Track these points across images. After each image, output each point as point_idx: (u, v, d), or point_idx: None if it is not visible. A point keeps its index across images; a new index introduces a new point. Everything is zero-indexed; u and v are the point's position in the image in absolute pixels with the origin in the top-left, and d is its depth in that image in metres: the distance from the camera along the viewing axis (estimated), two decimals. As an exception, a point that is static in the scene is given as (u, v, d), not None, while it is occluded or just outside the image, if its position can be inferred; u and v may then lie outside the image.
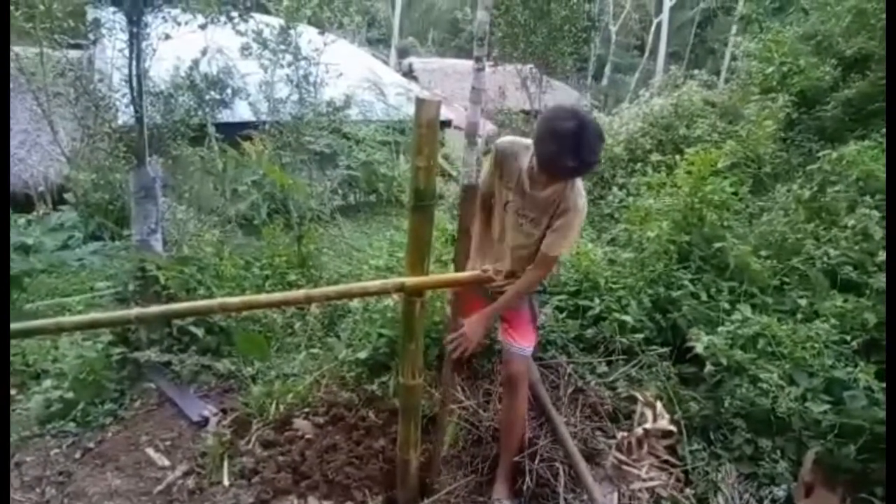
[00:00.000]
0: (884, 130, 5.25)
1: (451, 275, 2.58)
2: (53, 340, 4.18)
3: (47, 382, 3.59)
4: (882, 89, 6.06)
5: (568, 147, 2.01)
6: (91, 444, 3.22)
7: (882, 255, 3.51)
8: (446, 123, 12.86)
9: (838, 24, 7.19)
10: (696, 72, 9.16)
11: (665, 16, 22.12)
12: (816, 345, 2.98)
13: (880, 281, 3.33)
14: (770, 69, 7.12)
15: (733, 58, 15.70)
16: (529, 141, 2.27)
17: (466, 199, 2.52)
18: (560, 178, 2.20)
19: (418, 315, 2.22)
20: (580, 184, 2.33)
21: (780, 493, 2.61)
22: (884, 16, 6.38)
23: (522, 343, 2.60)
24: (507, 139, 2.46)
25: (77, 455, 3.15)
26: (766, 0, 10.11)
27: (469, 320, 2.50)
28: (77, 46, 8.05)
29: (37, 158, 9.57)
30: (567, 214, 2.29)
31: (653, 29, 23.70)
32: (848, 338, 3.05)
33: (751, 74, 7.70)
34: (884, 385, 2.77)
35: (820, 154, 4.79)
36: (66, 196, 8.60)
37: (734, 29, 16.44)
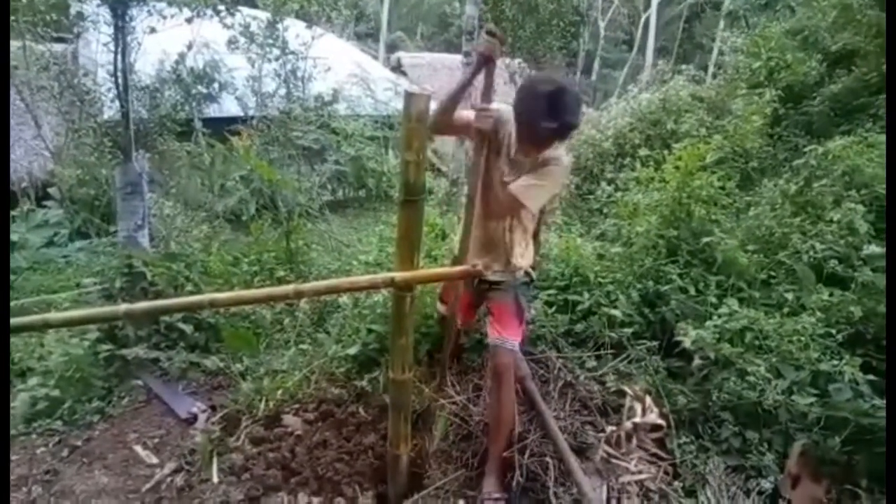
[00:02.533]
0: (868, 125, 5.31)
1: (441, 269, 2.58)
2: (39, 338, 4.14)
3: (33, 380, 3.54)
4: (867, 85, 6.12)
5: (547, 109, 2.05)
6: (78, 443, 3.19)
7: (867, 249, 3.55)
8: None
9: (824, 20, 7.25)
10: (683, 67, 9.18)
11: (653, 11, 22.17)
12: (803, 338, 3.01)
13: (865, 274, 3.37)
14: (757, 64, 7.16)
15: (721, 53, 15.79)
16: None
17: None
18: (540, 142, 2.24)
19: (408, 310, 2.22)
20: (563, 151, 2.38)
21: (766, 485, 2.64)
22: (869, 11, 6.44)
23: (507, 336, 2.61)
24: (501, 106, 2.42)
25: (64, 453, 3.12)
26: (752, -5, 10.18)
27: None
28: (61, 40, 7.95)
29: (20, 153, 9.44)
30: (546, 165, 2.33)
31: (641, 24, 23.75)
32: (833, 331, 3.08)
33: (738, 69, 7.74)
34: (868, 377, 2.81)
35: (806, 149, 4.83)
36: (51, 191, 8.51)
37: (722, 24, 16.55)
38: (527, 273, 2.71)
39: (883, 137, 4.84)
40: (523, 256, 2.66)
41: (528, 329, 3.34)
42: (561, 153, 2.38)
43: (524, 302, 2.71)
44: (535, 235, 2.75)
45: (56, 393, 3.43)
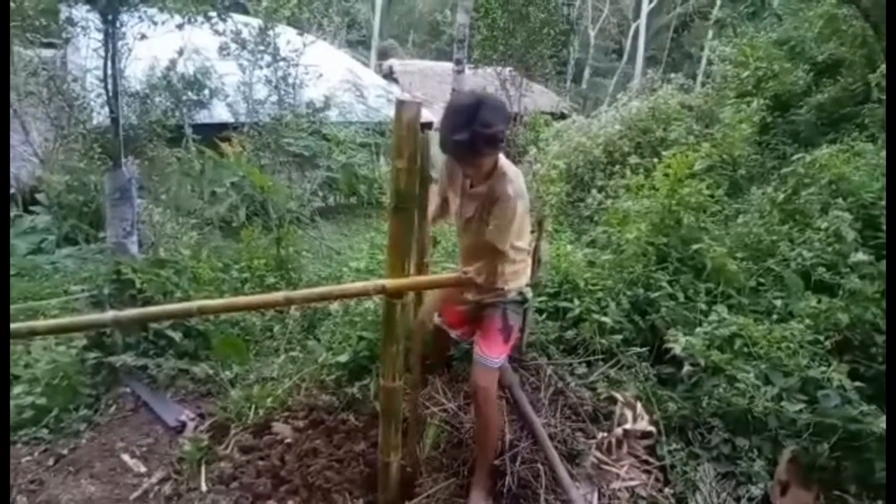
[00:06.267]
0: (854, 134, 5.39)
1: (432, 276, 2.58)
2: (26, 345, 4.09)
3: (19, 388, 3.50)
4: (852, 94, 6.21)
5: (461, 121, 2.07)
6: (64, 451, 3.16)
7: (854, 256, 3.59)
8: (427, 125, 12.84)
9: (810, 30, 7.35)
10: (673, 75, 9.22)
11: (643, 20, 22.38)
12: (791, 345, 3.03)
13: (852, 282, 3.41)
14: (745, 73, 7.24)
15: (709, 62, 15.93)
16: None
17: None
18: (458, 157, 2.26)
19: (399, 317, 2.22)
20: (512, 173, 2.35)
21: (756, 491, 2.65)
22: (854, 22, 6.54)
23: (489, 354, 2.55)
24: None
25: (50, 462, 3.08)
26: (740, 5, 10.30)
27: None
28: (50, 45, 7.89)
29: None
30: (497, 204, 2.31)
31: (631, 33, 23.97)
32: (821, 338, 3.11)
33: (726, 78, 7.81)
34: (856, 384, 2.84)
35: (794, 157, 4.88)
36: (39, 198, 8.43)
37: (710, 34, 16.71)
38: (520, 293, 2.63)
39: (869, 146, 4.92)
40: (514, 278, 2.58)
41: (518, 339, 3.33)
42: (508, 182, 2.30)
43: (513, 320, 2.64)
44: (534, 251, 2.71)
45: (42, 401, 3.39)
